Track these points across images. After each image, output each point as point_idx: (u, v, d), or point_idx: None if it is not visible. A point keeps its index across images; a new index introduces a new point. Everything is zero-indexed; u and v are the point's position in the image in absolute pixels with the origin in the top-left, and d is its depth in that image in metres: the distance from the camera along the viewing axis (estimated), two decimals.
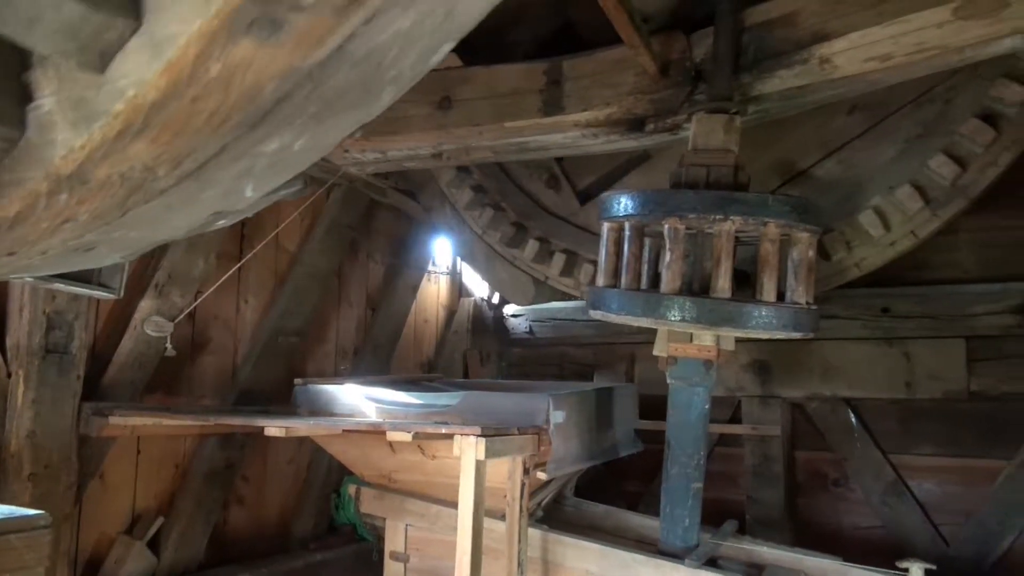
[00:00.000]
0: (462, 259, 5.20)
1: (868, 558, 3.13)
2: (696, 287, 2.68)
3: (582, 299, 3.97)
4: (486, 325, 5.47)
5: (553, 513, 3.35)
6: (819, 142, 3.84)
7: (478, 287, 5.55)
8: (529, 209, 4.43)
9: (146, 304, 3.33)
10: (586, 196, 4.33)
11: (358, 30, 0.67)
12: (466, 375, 5.31)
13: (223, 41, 0.62)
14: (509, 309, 5.44)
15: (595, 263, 3.76)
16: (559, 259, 4.24)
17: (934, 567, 2.93)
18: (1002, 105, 3.29)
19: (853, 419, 4.41)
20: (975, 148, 3.34)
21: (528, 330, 5.37)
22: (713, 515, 3.69)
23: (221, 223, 1.36)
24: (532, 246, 4.27)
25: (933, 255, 4.19)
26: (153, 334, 3.32)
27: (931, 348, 4.12)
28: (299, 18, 0.63)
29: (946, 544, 4.20)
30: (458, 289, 5.64)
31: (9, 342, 2.86)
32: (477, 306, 5.50)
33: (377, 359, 4.74)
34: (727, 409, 4.73)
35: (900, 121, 3.63)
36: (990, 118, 3.33)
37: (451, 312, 5.55)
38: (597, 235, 2.93)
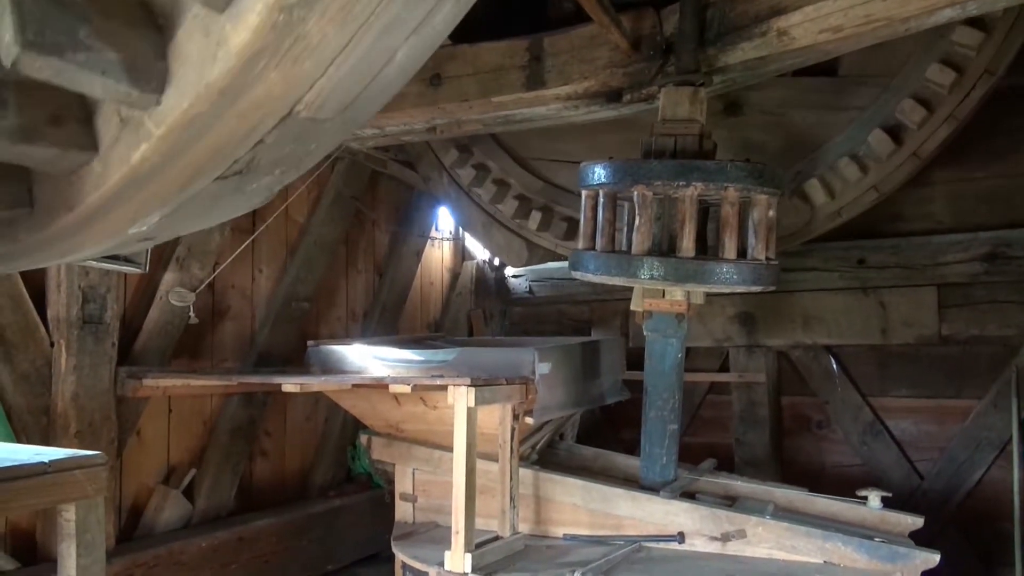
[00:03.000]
0: (460, 225, 5.46)
1: (848, 493, 3.42)
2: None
3: None
4: (488, 286, 5.77)
5: (547, 456, 3.67)
6: None
7: (480, 251, 5.82)
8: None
9: (169, 277, 3.64)
10: None
11: None
12: (470, 334, 5.62)
13: None
14: (510, 270, 5.72)
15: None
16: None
17: (890, 494, 3.23)
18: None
19: (833, 365, 4.69)
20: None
21: (528, 290, 5.66)
22: (704, 457, 3.99)
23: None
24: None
25: (908, 207, 4.41)
26: (177, 304, 3.64)
27: (905, 296, 4.37)
28: None
29: (921, 478, 4.50)
30: (461, 253, 5.93)
31: (50, 314, 3.19)
32: (479, 268, 5.79)
33: (385, 321, 5.06)
34: (716, 359, 5.03)
35: None
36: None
37: (455, 275, 5.85)
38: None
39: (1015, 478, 3.99)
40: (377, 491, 4.54)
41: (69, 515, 1.71)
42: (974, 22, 3.49)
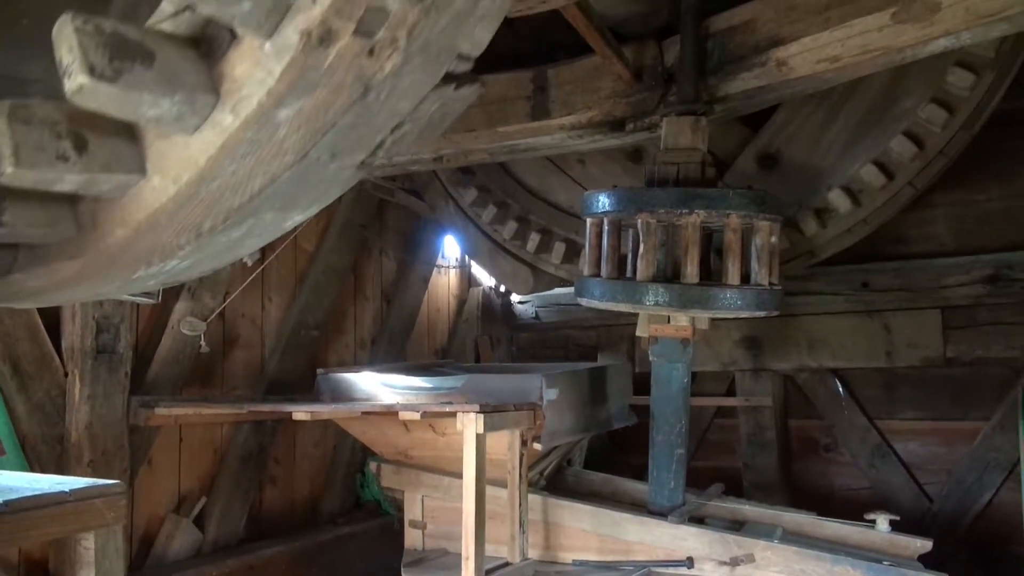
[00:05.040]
0: (466, 253, 5.52)
1: (857, 516, 3.42)
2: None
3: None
4: (495, 312, 5.81)
5: (555, 482, 3.69)
6: None
7: (486, 277, 5.87)
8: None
9: (181, 306, 3.69)
10: None
11: None
12: (477, 360, 5.65)
13: None
14: (516, 296, 5.77)
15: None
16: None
17: (898, 517, 3.24)
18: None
19: (839, 388, 4.70)
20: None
21: (535, 315, 5.70)
22: (712, 482, 4.00)
23: None
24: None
25: (911, 229, 4.45)
26: (188, 333, 3.69)
27: (909, 318, 4.40)
28: None
29: (929, 501, 4.49)
30: (467, 279, 5.97)
31: (64, 345, 3.24)
32: (486, 295, 5.84)
33: (393, 347, 5.10)
34: (722, 383, 5.04)
35: None
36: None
37: (462, 301, 5.89)
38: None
39: None
40: (387, 518, 4.54)
41: (88, 543, 1.74)
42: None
